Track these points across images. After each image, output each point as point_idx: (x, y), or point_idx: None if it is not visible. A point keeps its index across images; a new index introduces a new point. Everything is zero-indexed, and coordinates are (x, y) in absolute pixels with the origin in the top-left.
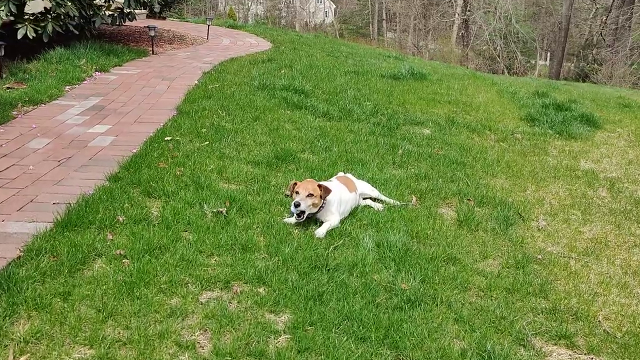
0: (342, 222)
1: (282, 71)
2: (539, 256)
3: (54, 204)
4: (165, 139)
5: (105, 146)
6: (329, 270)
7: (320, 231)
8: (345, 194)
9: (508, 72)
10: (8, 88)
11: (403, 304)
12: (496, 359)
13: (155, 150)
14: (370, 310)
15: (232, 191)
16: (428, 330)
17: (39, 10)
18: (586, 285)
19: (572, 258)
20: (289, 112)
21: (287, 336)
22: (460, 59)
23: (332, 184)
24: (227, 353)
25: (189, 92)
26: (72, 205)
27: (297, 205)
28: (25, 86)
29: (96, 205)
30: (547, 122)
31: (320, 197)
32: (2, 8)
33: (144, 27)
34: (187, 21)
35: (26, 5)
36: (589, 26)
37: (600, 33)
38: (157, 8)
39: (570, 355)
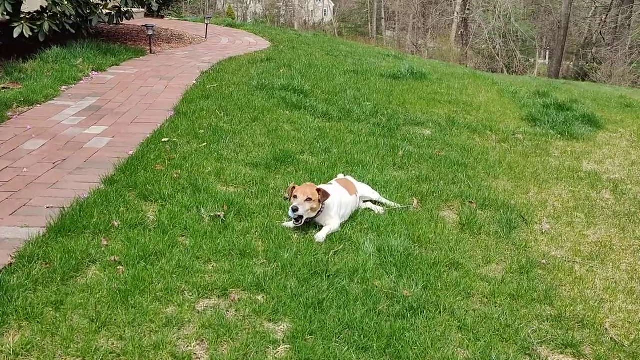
0: (342, 225)
1: (281, 71)
2: (543, 261)
3: (47, 207)
4: (163, 140)
5: (101, 148)
6: (329, 276)
7: (320, 235)
8: (345, 197)
9: (507, 71)
10: (3, 88)
11: (405, 311)
12: None
13: (152, 152)
14: (371, 318)
15: (230, 194)
16: (431, 339)
17: (35, 9)
18: (592, 291)
19: (577, 263)
20: (287, 112)
21: (286, 346)
22: (460, 58)
23: (332, 187)
24: None
25: (187, 92)
26: (66, 209)
27: (295, 210)
28: (20, 86)
29: (91, 209)
30: (548, 122)
31: (319, 201)
32: None
33: (142, 26)
34: (185, 20)
35: (22, 4)
36: (589, 25)
37: (600, 32)
38: (155, 7)
39: None
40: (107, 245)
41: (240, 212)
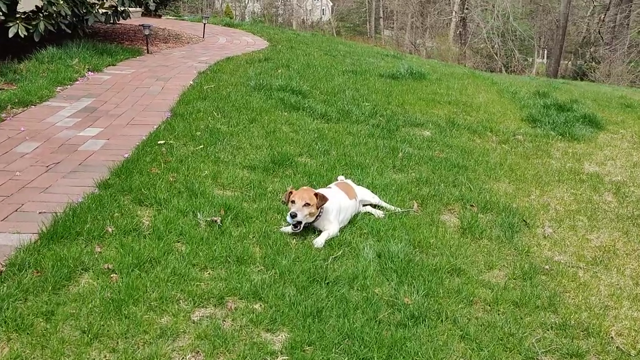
0: (341, 230)
1: (279, 71)
2: (547, 266)
3: (40, 213)
4: (159, 142)
5: (96, 150)
6: (328, 283)
7: (319, 241)
8: (344, 201)
9: (506, 70)
10: None
11: (406, 320)
12: None
13: (147, 155)
14: (372, 327)
15: (227, 198)
16: (433, 349)
17: (31, 9)
18: (596, 298)
19: (581, 268)
20: (286, 113)
21: (284, 357)
22: (458, 57)
23: (331, 191)
24: None
25: (184, 93)
26: (58, 215)
27: (293, 216)
28: (15, 87)
29: (84, 214)
30: (549, 123)
31: (317, 206)
32: None
33: (139, 25)
34: (183, 19)
35: (18, 4)
36: (587, 24)
37: (598, 31)
38: (152, 6)
39: None
40: (100, 253)
41: (237, 217)
